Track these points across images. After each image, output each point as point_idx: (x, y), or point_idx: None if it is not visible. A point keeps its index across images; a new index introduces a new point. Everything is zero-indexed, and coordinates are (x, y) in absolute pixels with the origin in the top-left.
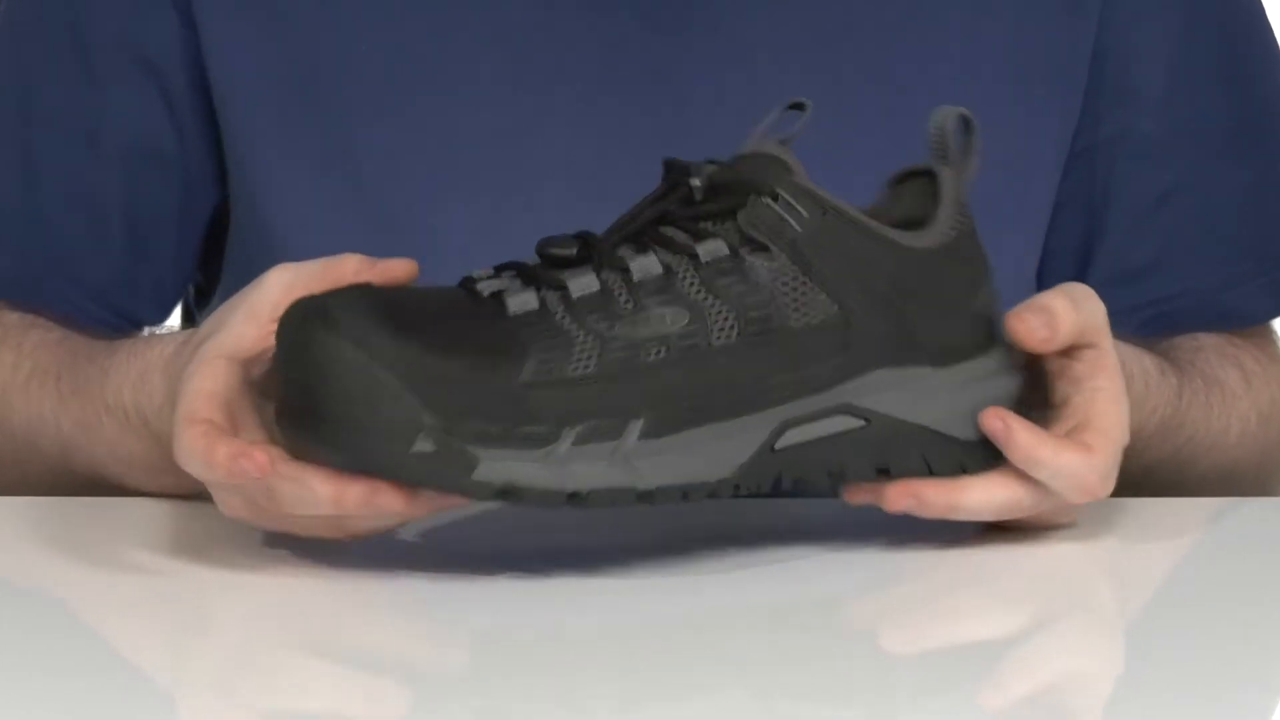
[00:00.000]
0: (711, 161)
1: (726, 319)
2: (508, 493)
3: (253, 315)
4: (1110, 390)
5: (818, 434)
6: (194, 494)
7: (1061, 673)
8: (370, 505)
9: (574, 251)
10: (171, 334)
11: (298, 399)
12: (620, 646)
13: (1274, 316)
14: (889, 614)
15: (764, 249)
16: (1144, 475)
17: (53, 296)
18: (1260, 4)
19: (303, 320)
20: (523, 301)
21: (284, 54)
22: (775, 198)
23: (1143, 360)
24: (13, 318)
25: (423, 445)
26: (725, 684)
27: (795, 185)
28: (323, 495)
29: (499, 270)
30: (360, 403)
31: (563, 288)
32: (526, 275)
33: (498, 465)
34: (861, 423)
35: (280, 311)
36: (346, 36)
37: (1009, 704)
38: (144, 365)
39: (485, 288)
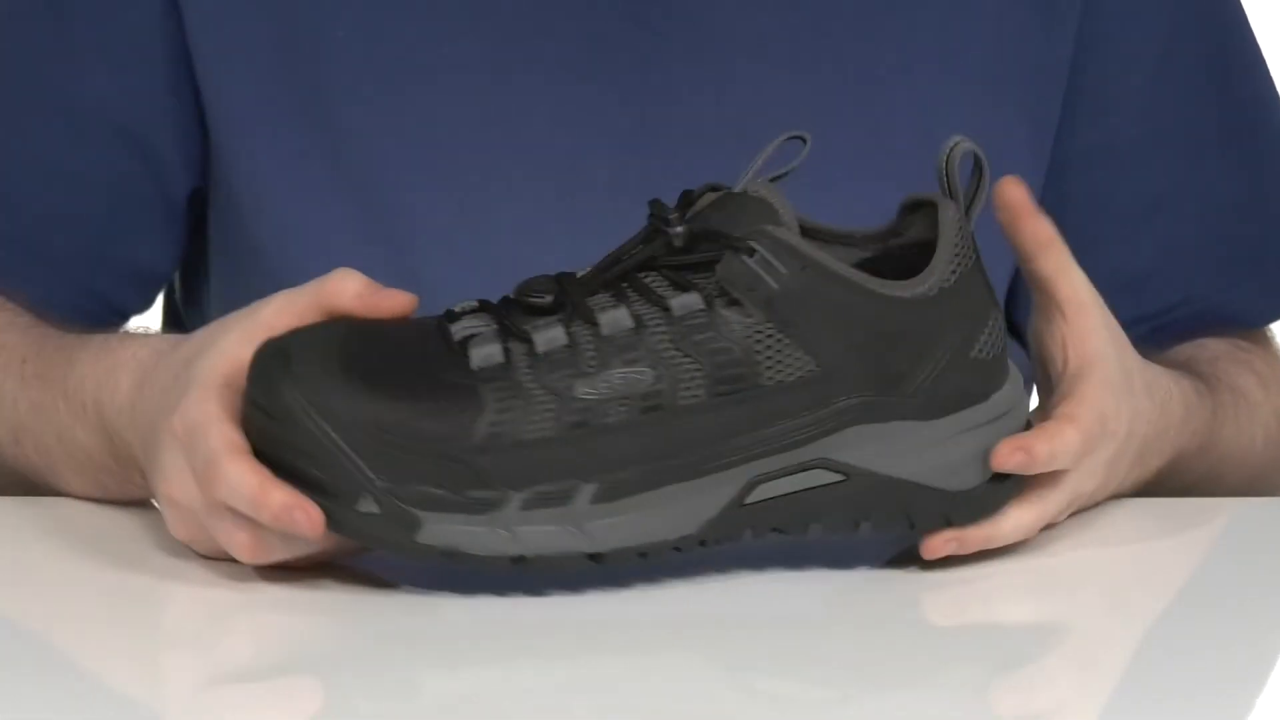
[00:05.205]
0: (690, 202)
1: (694, 377)
2: (451, 555)
3: (247, 339)
4: (1092, 370)
5: (791, 489)
6: (122, 500)
7: (1049, 663)
8: (284, 520)
9: (549, 299)
10: (146, 336)
11: (257, 440)
12: (601, 629)
13: (1274, 319)
14: (882, 603)
15: (739, 304)
16: (1181, 492)
17: (23, 277)
18: (1242, 7)
19: (264, 365)
20: (487, 355)
21: (267, 37)
22: (751, 253)
23: (1181, 383)
24: None
25: (368, 505)
26: (700, 659)
27: (774, 240)
28: (247, 489)
29: (482, 306)
30: (309, 458)
31: (528, 340)
32: (501, 320)
33: (442, 528)
34: (840, 477)
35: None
36: (329, 20)
37: (991, 694)
38: (113, 362)
39: (459, 330)
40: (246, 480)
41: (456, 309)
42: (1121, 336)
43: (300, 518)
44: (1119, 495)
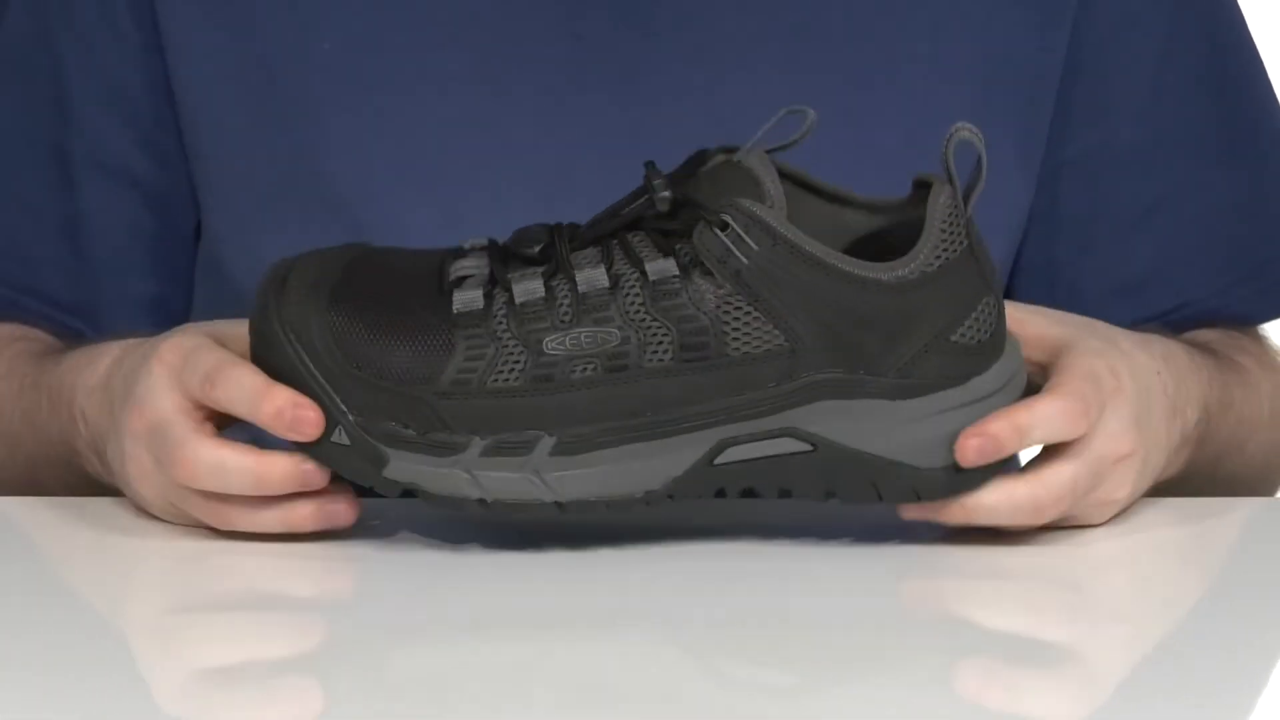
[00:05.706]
0: (700, 162)
1: (662, 341)
2: (414, 492)
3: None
4: (1075, 351)
5: (760, 454)
6: (83, 494)
7: (1027, 661)
8: (287, 415)
9: (536, 250)
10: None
11: (255, 360)
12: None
13: (1270, 319)
14: (859, 593)
15: (711, 274)
16: (1213, 465)
17: (34, 317)
18: (1240, 11)
19: (263, 290)
20: (468, 300)
21: (248, 54)
22: (724, 227)
23: (1176, 340)
24: (4, 329)
25: (340, 437)
26: (664, 645)
27: (747, 215)
28: (250, 388)
29: (489, 245)
30: (290, 385)
31: (509, 289)
32: (493, 265)
33: (406, 466)
34: (808, 447)
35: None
36: (315, 34)
37: (963, 681)
38: (96, 352)
39: (456, 269)
40: (250, 380)
41: (466, 245)
42: (1082, 319)
43: (304, 414)
44: (1184, 471)
